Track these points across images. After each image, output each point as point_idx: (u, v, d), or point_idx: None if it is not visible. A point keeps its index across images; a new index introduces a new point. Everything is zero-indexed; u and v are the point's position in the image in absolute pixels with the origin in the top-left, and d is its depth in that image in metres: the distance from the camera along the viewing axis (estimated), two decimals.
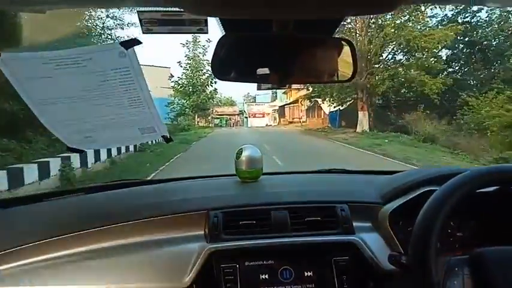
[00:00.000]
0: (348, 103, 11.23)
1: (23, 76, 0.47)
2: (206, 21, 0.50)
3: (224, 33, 0.45)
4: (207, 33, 0.51)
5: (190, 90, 17.14)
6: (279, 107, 26.19)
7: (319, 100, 13.21)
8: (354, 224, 0.56)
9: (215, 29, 0.46)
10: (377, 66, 9.85)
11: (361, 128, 10.16)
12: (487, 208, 0.54)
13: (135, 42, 0.47)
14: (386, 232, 0.54)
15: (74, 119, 0.52)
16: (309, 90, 14.95)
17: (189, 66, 17.01)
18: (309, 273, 0.52)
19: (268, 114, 31.92)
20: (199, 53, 17.34)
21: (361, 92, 10.18)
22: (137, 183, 0.77)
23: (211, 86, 17.23)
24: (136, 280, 0.49)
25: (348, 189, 0.69)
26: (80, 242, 0.52)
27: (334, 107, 12.08)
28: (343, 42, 0.48)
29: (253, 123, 29.38)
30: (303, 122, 19.02)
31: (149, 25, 0.49)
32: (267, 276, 0.51)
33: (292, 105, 23.25)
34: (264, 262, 0.52)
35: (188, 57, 17.39)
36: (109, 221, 0.54)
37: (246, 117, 33.92)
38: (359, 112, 10.23)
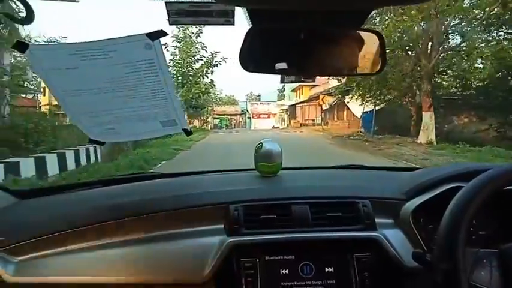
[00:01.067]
0: (385, 101, 9.58)
1: (50, 67, 0.55)
2: (233, 12, 0.56)
3: (251, 25, 0.51)
4: (233, 24, 0.57)
5: (179, 81, 13.58)
6: (289, 106, 25.61)
7: (347, 97, 11.14)
8: (376, 220, 0.62)
9: (243, 22, 0.53)
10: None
11: (426, 136, 7.44)
12: (510, 205, 0.58)
13: (161, 33, 0.54)
14: (409, 229, 0.60)
15: (98, 110, 0.59)
16: (328, 82, 13.76)
17: (179, 51, 13.32)
18: (330, 269, 0.57)
19: (275, 114, 31.52)
20: (192, 33, 13.60)
21: (427, 82, 7.38)
22: (156, 176, 0.85)
23: (207, 77, 13.80)
24: (156, 273, 0.55)
25: (370, 185, 0.76)
26: (98, 234, 0.58)
27: (364, 105, 10.22)
28: (372, 34, 0.54)
29: (257, 124, 28.79)
30: (321, 125, 18.02)
31: (177, 16, 0.56)
32: (287, 271, 0.57)
33: (305, 104, 22.60)
34: (285, 257, 0.57)
35: (177, 39, 13.22)
36: (127, 214, 0.60)
37: (249, 118, 33.75)
38: (424, 113, 7.61)
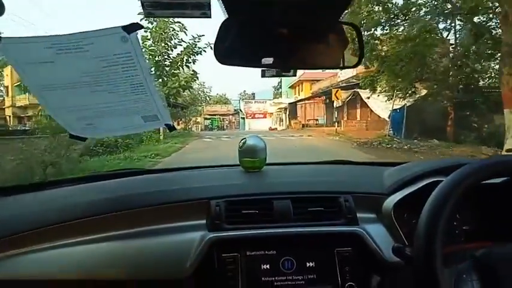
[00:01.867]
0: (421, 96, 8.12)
1: (24, 61, 0.59)
2: (209, 4, 0.62)
3: (227, 15, 0.56)
4: (210, 17, 0.63)
5: (152, 72, 12.00)
6: (289, 104, 24.15)
7: (363, 92, 10.13)
8: (358, 215, 0.68)
9: (218, 14, 0.58)
10: None
11: None
12: (494, 200, 0.65)
13: (137, 26, 0.59)
14: (390, 223, 0.66)
15: (76, 105, 0.64)
16: (337, 75, 13.99)
17: (150, 33, 10.76)
18: (311, 264, 0.63)
19: (271, 114, 31.28)
20: None
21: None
22: (139, 172, 0.91)
23: (188, 67, 11.45)
24: (137, 269, 0.60)
25: (353, 180, 0.83)
26: (78, 230, 0.63)
27: (393, 101, 8.66)
28: (349, 26, 0.60)
29: (252, 125, 28.84)
30: (324, 126, 17.73)
31: (151, 8, 0.61)
32: (268, 266, 0.62)
33: (307, 101, 22.07)
34: (266, 252, 0.63)
35: (149, 20, 10.59)
36: (109, 210, 0.65)
37: (243, 118, 33.91)
38: (505, 110, 5.76)
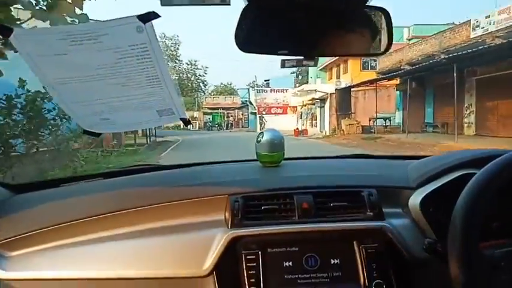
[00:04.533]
0: None
1: (37, 53, 0.84)
2: None
3: (247, 2, 0.78)
4: (229, 4, 0.86)
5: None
6: (337, 91, 20.82)
7: None
8: (384, 209, 0.89)
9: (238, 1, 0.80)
10: None
11: None
12: None
13: (153, 15, 0.82)
14: (418, 218, 0.86)
15: (90, 99, 0.89)
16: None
17: None
18: (336, 261, 0.84)
19: (294, 108, 30.64)
20: None
21: None
22: (156, 168, 1.21)
23: None
24: (156, 266, 0.82)
25: (376, 173, 1.05)
26: (96, 227, 0.87)
27: None
28: (377, 11, 0.81)
29: (267, 124, 28.02)
30: (401, 128, 16.67)
31: None
32: (290, 264, 0.83)
33: (363, 88, 20.11)
34: (288, 249, 0.84)
35: None
36: (128, 206, 0.90)
37: (254, 113, 34.04)
38: None
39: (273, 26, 0.80)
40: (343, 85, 21.22)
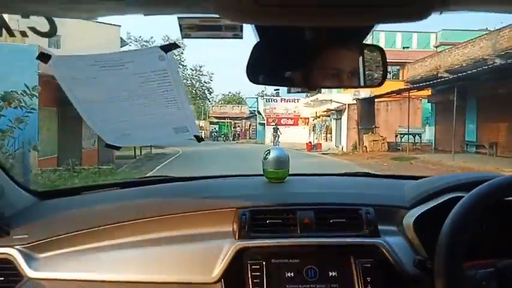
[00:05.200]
0: None
1: (70, 76, 1.07)
2: (242, 27, 1.07)
3: (258, 39, 1.00)
4: (241, 38, 1.08)
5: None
6: (359, 101, 19.45)
7: None
8: (379, 227, 1.09)
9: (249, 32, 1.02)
10: None
11: None
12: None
13: (174, 46, 1.05)
14: (411, 236, 1.05)
15: (114, 117, 1.12)
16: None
17: None
18: (333, 274, 1.03)
19: (306, 120, 30.90)
20: None
21: None
22: (169, 180, 1.44)
23: None
24: (167, 272, 1.03)
25: (374, 192, 1.27)
26: (113, 234, 1.09)
27: None
28: (373, 48, 1.02)
29: (281, 139, 27.66)
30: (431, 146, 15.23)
31: (188, 30, 1.07)
32: (292, 274, 1.03)
33: (387, 98, 18.40)
34: (290, 260, 1.04)
35: None
36: (142, 215, 1.12)
37: (262, 124, 34.56)
38: None
39: (280, 61, 1.02)
40: (362, 95, 20.05)
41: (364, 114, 19.07)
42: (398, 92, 17.49)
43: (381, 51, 1.02)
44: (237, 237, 1.06)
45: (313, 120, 29.48)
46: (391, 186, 1.37)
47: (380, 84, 1.03)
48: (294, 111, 32.28)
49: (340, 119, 22.57)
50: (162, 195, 1.28)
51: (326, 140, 25.35)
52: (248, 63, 0.99)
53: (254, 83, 1.01)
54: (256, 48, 0.98)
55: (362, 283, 1.01)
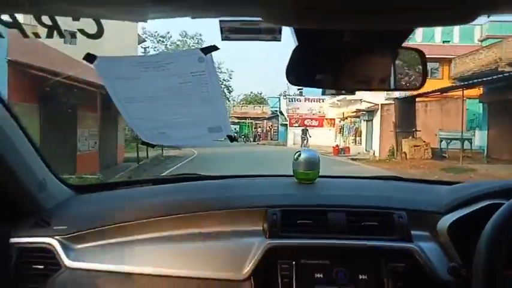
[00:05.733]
0: None
1: (114, 76, 1.21)
2: (280, 30, 1.19)
3: (297, 42, 1.11)
4: (279, 40, 1.20)
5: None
6: (398, 101, 18.23)
7: None
8: (412, 232, 1.17)
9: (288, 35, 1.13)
10: None
11: None
12: None
13: (214, 48, 1.17)
14: (445, 242, 1.14)
15: (151, 116, 1.25)
16: None
17: None
18: (364, 277, 1.13)
19: (332, 121, 30.88)
20: None
21: None
22: (201, 178, 1.60)
23: None
24: (197, 268, 1.15)
25: (407, 196, 1.35)
26: (147, 229, 1.23)
27: None
28: (414, 51, 1.11)
29: (300, 140, 27.70)
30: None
31: (228, 33, 1.20)
32: (321, 276, 1.13)
33: (425, 98, 17.02)
34: (320, 261, 1.14)
35: None
36: (174, 211, 1.25)
37: (285, 125, 34.98)
38: None
39: (318, 63, 1.13)
40: (396, 94, 18.49)
41: (402, 116, 17.96)
42: (444, 90, 16.48)
43: (421, 53, 1.12)
44: (267, 236, 1.17)
45: (340, 121, 29.27)
46: (423, 191, 1.45)
47: (419, 87, 1.12)
48: (319, 112, 32.21)
49: (372, 120, 22.26)
50: (194, 193, 1.42)
51: (355, 143, 25.06)
52: (288, 66, 1.10)
53: (293, 84, 1.13)
54: (295, 51, 1.10)
55: (393, 287, 1.10)
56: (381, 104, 20.13)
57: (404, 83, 1.14)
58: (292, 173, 1.44)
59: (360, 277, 1.12)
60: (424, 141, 16.97)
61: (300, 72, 1.11)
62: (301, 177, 1.40)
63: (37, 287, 1.18)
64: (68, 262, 1.17)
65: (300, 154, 1.40)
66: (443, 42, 24.67)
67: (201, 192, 1.45)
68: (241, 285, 1.12)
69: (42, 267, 1.19)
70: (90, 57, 1.19)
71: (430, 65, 20.98)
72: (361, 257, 1.15)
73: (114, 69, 1.22)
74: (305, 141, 25.94)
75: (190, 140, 1.38)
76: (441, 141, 17.23)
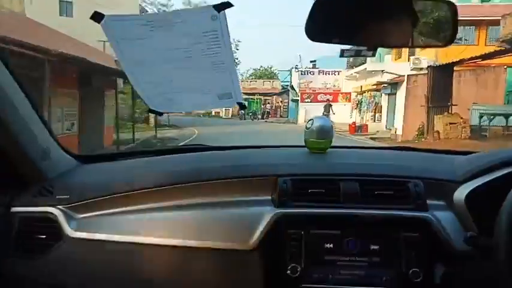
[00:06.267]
0: None
1: (121, 37, 1.28)
2: None
3: None
4: None
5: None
6: (431, 69, 17.18)
7: None
8: (428, 201, 1.23)
9: None
10: None
11: None
12: None
13: (227, 5, 1.23)
14: (462, 212, 1.19)
15: (160, 80, 1.32)
16: None
17: None
18: (376, 247, 1.19)
19: (348, 95, 30.61)
20: None
21: None
22: (208, 148, 1.70)
23: None
24: (204, 238, 1.22)
25: (423, 165, 1.41)
26: (153, 198, 1.30)
27: None
28: (443, 3, 1.16)
29: (312, 115, 27.34)
30: None
31: None
32: (331, 246, 1.19)
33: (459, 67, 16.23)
34: (331, 231, 1.20)
35: None
36: (182, 180, 1.32)
37: (296, 101, 34.91)
38: None
39: (340, 18, 1.17)
40: (423, 64, 18.93)
41: (437, 88, 16.53)
42: (491, 55, 15.10)
43: (452, 6, 1.16)
44: (277, 205, 1.23)
45: (357, 95, 28.99)
46: (440, 160, 1.51)
47: (448, 43, 1.17)
48: (334, 86, 32.14)
49: (395, 94, 21.80)
50: (200, 162, 1.50)
51: (374, 120, 24.93)
52: (307, 21, 1.14)
53: (313, 40, 1.17)
54: (315, 5, 1.14)
55: (406, 258, 1.16)
56: (408, 75, 19.62)
57: (433, 38, 1.19)
58: (303, 144, 1.50)
59: (372, 247, 1.19)
60: (462, 118, 16.05)
61: (319, 27, 1.15)
62: (313, 147, 1.46)
63: (39, 256, 1.26)
64: (69, 232, 1.25)
65: (312, 122, 1.46)
66: (482, 1, 24.16)
67: (209, 161, 1.52)
68: (249, 255, 1.19)
69: (44, 236, 1.27)
70: (97, 16, 1.23)
71: (464, 29, 20.53)
72: (374, 227, 1.21)
73: (122, 30, 1.26)
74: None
75: (199, 107, 1.45)
76: (481, 117, 16.38)
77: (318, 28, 1.17)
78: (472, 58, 15.38)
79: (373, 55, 1.38)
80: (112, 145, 14.52)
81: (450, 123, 15.79)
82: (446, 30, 1.18)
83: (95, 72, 12.21)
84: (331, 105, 25.04)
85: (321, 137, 1.45)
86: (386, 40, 1.22)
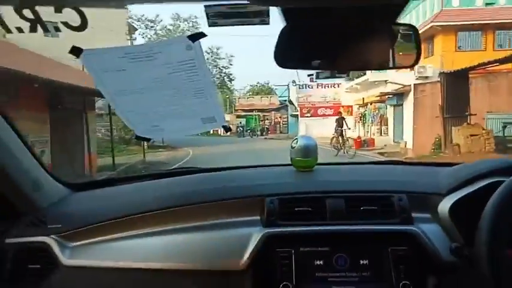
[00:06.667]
0: None
1: (101, 69, 1.44)
2: (268, 12, 1.41)
3: (286, 23, 1.33)
4: (268, 23, 1.42)
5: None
6: (443, 75, 16.38)
7: None
8: (413, 214, 1.39)
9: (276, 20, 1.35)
10: None
11: None
12: None
13: (201, 35, 1.40)
14: (447, 223, 1.33)
15: (143, 109, 1.50)
16: None
17: None
18: (365, 262, 1.33)
19: (350, 109, 30.53)
20: None
21: None
22: (198, 171, 1.86)
23: None
24: (196, 261, 1.37)
25: (407, 179, 1.58)
26: (144, 223, 1.46)
27: None
28: (406, 27, 1.33)
29: (314, 130, 27.02)
30: None
31: (215, 18, 1.43)
32: (321, 262, 1.34)
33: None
34: (319, 248, 1.35)
35: None
36: (171, 204, 1.48)
37: (295, 116, 35.62)
38: None
39: (309, 44, 1.34)
40: (429, 72, 18.96)
41: (451, 97, 16.10)
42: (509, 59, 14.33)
43: (414, 29, 1.33)
44: (265, 225, 1.38)
45: (359, 108, 29.18)
46: (424, 173, 1.67)
47: (413, 64, 1.34)
48: (334, 99, 32.61)
49: (401, 105, 21.77)
50: (191, 185, 1.66)
51: (380, 134, 24.96)
52: (276, 48, 1.30)
53: (282, 67, 1.32)
54: (283, 32, 1.29)
55: (395, 271, 1.30)
56: (414, 85, 19.56)
57: (398, 61, 1.35)
58: (290, 162, 1.66)
59: (361, 262, 1.32)
60: (484, 129, 15.42)
61: (288, 53, 1.30)
62: (299, 165, 1.63)
63: (34, 286, 1.38)
64: (64, 260, 1.38)
65: (297, 141, 1.62)
66: (486, 4, 24.61)
67: (197, 184, 1.69)
68: (240, 275, 1.33)
69: (38, 266, 1.40)
70: (76, 51, 1.38)
71: (471, 34, 20.80)
72: (362, 242, 1.35)
73: (101, 62, 1.42)
74: (344, 135, 21.37)
75: (184, 132, 1.64)
76: (504, 127, 15.79)
77: (286, 55, 1.32)
78: (489, 62, 15.12)
79: (348, 75, 1.54)
80: (98, 171, 14.15)
81: (471, 135, 15.06)
82: (411, 52, 1.34)
83: (71, 92, 11.68)
84: (343, 119, 22.59)
85: (306, 156, 1.61)
86: (354, 65, 1.39)
